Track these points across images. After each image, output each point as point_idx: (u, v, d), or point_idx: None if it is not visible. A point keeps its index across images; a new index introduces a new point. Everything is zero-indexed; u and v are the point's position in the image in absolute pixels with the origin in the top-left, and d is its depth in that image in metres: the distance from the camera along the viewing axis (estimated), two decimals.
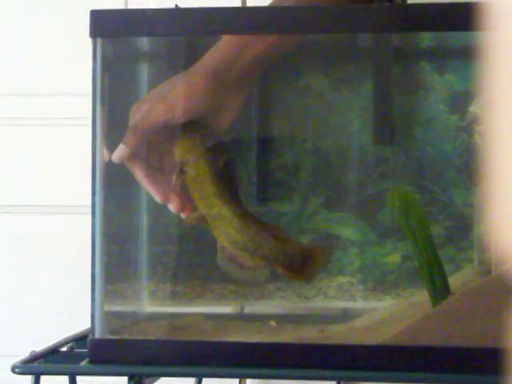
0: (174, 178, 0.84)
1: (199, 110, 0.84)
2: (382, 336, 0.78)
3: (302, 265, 0.85)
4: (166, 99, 0.83)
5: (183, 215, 0.85)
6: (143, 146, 0.84)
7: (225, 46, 0.84)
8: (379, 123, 0.91)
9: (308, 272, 0.86)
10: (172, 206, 0.85)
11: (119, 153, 0.83)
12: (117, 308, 0.88)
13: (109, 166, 0.82)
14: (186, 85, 0.84)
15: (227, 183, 0.84)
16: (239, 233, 0.83)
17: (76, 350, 0.86)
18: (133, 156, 0.84)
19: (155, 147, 0.85)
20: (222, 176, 0.84)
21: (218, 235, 0.84)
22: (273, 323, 0.88)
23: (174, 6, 0.85)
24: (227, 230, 0.83)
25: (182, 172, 0.84)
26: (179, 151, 0.84)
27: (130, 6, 1.18)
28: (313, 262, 0.85)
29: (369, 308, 0.90)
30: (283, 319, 0.90)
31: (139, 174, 0.84)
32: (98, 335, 0.80)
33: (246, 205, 0.86)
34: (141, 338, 0.82)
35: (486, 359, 0.74)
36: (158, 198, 0.84)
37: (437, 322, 0.78)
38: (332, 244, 0.90)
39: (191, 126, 0.84)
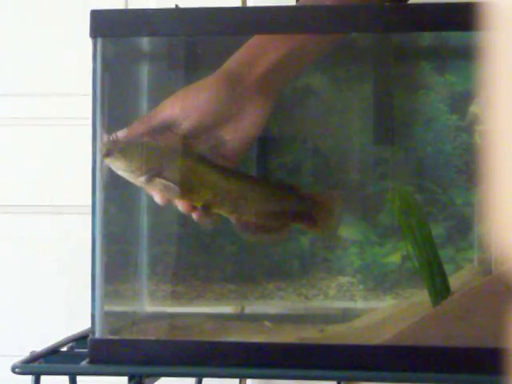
0: (155, 187, 0.83)
1: (208, 109, 0.83)
2: (382, 336, 0.78)
3: (319, 215, 0.85)
4: (176, 95, 0.84)
5: (194, 215, 0.84)
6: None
7: (245, 49, 0.84)
8: (379, 123, 0.91)
9: (327, 223, 0.86)
10: (181, 207, 0.84)
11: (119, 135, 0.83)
12: (117, 308, 0.88)
13: (108, 166, 0.82)
14: (200, 84, 0.84)
15: (224, 163, 0.84)
16: (268, 203, 0.83)
17: (76, 350, 0.86)
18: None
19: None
20: (216, 158, 0.83)
21: (241, 215, 0.83)
22: (267, 323, 0.88)
23: (174, 6, 0.85)
24: (253, 205, 0.83)
25: (160, 178, 0.83)
26: (151, 163, 0.83)
27: (130, 6, 1.18)
28: (329, 211, 0.85)
29: (369, 308, 0.90)
30: (283, 319, 0.90)
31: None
32: (98, 335, 0.80)
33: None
34: (141, 338, 0.82)
35: (486, 359, 0.74)
36: (158, 200, 0.84)
37: (437, 322, 0.77)
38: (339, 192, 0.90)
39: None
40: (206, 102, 0.83)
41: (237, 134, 0.84)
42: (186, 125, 0.83)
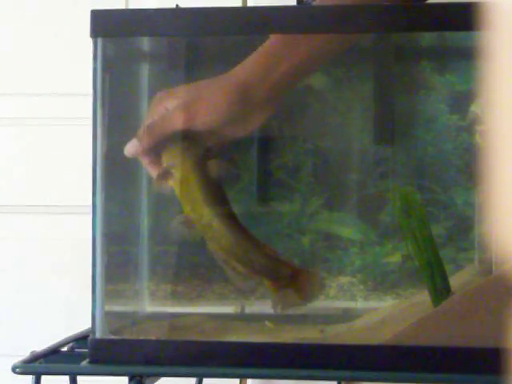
0: (157, 178, 0.83)
1: (219, 122, 0.82)
2: (383, 336, 0.78)
3: (291, 284, 0.85)
4: (188, 107, 0.82)
5: None
6: (157, 146, 0.83)
7: (257, 58, 0.83)
8: (380, 123, 0.91)
9: (300, 293, 0.85)
10: None
11: (132, 148, 0.83)
12: (117, 308, 0.88)
13: (108, 166, 0.82)
14: (212, 96, 0.83)
15: (217, 190, 0.83)
16: (232, 246, 0.82)
17: (76, 350, 0.86)
18: (145, 153, 0.83)
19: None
20: (212, 182, 0.83)
21: (209, 241, 0.83)
22: (268, 324, 0.88)
23: (174, 6, 0.85)
24: (219, 240, 0.82)
25: (166, 173, 0.83)
26: (168, 155, 0.84)
27: (130, 6, 1.18)
28: (304, 285, 0.85)
29: (369, 308, 0.90)
30: (283, 319, 0.90)
31: (151, 171, 0.84)
32: (98, 335, 0.80)
33: (244, 207, 0.86)
34: (141, 338, 0.82)
35: (486, 359, 0.74)
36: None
37: (437, 322, 0.77)
38: (319, 271, 0.90)
39: (183, 133, 0.84)
40: (220, 116, 0.82)
41: (239, 132, 0.84)
42: (194, 131, 0.82)
